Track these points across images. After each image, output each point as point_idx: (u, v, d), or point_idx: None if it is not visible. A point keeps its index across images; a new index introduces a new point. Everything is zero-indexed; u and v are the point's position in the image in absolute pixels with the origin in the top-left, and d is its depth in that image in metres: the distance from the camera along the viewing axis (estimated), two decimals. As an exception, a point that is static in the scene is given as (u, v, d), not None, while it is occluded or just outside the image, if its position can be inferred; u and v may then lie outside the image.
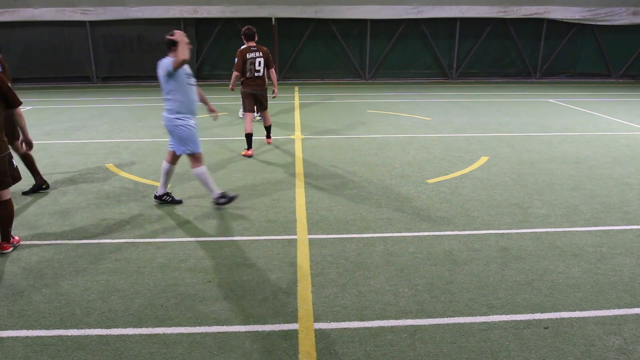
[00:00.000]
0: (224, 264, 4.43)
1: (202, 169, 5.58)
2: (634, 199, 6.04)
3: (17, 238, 4.90)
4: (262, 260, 4.50)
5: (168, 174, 5.79)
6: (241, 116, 10.78)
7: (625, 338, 3.39)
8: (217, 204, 5.69)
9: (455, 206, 5.80)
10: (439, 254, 4.62)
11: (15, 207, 5.80)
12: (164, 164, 5.76)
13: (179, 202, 5.92)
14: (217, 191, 5.69)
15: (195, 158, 5.55)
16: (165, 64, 5.22)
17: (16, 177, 4.72)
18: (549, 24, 18.47)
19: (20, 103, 4.67)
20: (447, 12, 17.93)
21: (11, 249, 4.74)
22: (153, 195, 5.97)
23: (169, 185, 6.05)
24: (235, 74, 8.03)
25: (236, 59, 8.00)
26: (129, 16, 17.12)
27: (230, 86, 8.22)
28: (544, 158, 7.86)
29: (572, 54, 19.25)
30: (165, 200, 5.89)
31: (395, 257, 4.54)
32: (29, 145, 4.95)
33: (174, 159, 5.73)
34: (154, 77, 21.42)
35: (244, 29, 8.18)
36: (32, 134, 9.80)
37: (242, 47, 8.04)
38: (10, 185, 4.62)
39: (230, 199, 5.71)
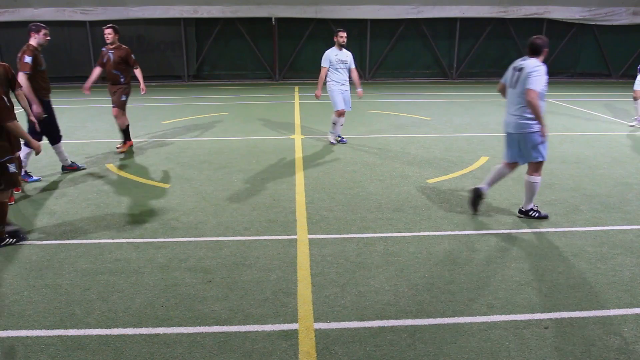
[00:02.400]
0: (224, 264, 4.43)
1: (539, 179, 5.29)
2: (634, 199, 6.03)
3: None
4: (262, 260, 4.50)
5: (499, 178, 5.51)
6: (334, 141, 8.74)
7: (625, 338, 3.39)
8: (525, 214, 5.42)
9: (455, 206, 5.80)
10: (439, 254, 4.62)
11: (15, 207, 5.81)
12: (500, 169, 5.45)
13: (545, 217, 5.41)
14: (531, 205, 5.40)
15: (538, 165, 5.25)
16: (541, 76, 4.93)
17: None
18: (549, 24, 18.46)
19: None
20: (447, 12, 17.93)
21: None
22: (517, 211, 5.53)
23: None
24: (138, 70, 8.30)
25: (133, 56, 8.23)
26: (129, 16, 17.11)
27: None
28: (544, 158, 7.86)
29: (572, 54, 19.24)
30: (531, 215, 5.40)
31: (395, 257, 4.54)
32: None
33: (512, 168, 5.45)
34: (153, 77, 20.97)
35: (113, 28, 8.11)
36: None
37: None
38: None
39: (539, 215, 5.41)
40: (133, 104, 13.41)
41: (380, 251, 4.66)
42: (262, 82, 18.24)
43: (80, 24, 17.25)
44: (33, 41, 6.80)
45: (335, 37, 8.36)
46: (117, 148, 8.32)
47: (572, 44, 19.05)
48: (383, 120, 11.02)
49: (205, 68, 18.55)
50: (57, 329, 3.49)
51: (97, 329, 3.48)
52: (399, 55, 18.90)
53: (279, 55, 18.28)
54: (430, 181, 6.71)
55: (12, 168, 4.67)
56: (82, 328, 3.50)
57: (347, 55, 8.42)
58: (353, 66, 8.55)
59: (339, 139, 8.83)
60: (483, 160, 7.74)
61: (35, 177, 6.82)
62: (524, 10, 18.02)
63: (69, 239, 4.94)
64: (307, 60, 18.69)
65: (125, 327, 3.51)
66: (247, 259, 4.52)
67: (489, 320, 3.58)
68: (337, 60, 8.33)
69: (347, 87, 8.48)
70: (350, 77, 8.58)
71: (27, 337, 3.41)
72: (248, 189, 6.41)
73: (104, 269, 4.33)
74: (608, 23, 18.40)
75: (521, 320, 3.58)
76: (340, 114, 8.48)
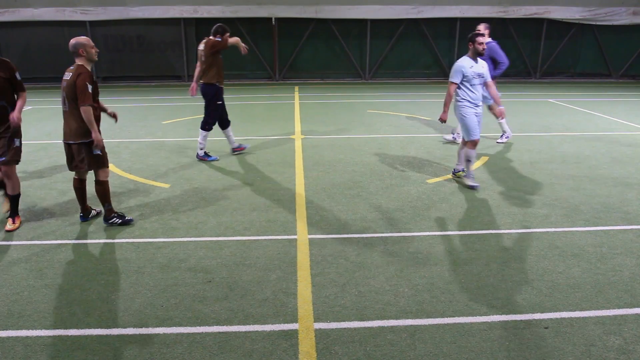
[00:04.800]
0: (224, 264, 4.43)
1: None
2: (634, 199, 6.03)
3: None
4: (262, 260, 4.50)
5: None
6: (476, 184, 6.42)
7: (625, 338, 3.39)
8: None
9: (455, 206, 5.80)
10: (439, 254, 4.62)
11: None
12: None
13: None
14: None
15: None
16: None
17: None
18: (549, 24, 18.46)
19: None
20: (447, 12, 17.93)
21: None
22: None
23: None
24: None
25: (19, 75, 5.06)
26: (129, 16, 17.11)
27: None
28: (544, 158, 7.86)
29: (572, 54, 19.24)
30: None
31: (395, 257, 4.54)
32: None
33: None
34: (153, 77, 20.97)
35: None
36: (32, 134, 9.82)
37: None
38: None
39: None
40: (133, 104, 13.42)
41: (380, 251, 4.66)
42: (262, 82, 18.24)
43: (80, 24, 17.23)
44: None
45: (471, 43, 6.19)
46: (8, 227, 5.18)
47: (572, 44, 19.05)
48: (383, 120, 11.02)
49: (205, 68, 18.52)
50: (57, 329, 3.49)
51: (97, 329, 3.48)
52: (399, 55, 18.91)
53: (279, 55, 18.27)
54: (430, 181, 6.71)
55: (96, 150, 5.02)
56: (82, 328, 3.50)
57: (483, 67, 6.30)
58: (489, 79, 6.46)
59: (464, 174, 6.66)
60: (483, 160, 7.74)
61: (213, 157, 7.78)
62: (524, 10, 18.03)
63: (69, 239, 4.94)
64: (307, 61, 18.71)
65: (125, 327, 3.51)
66: (247, 259, 4.52)
67: (489, 320, 3.58)
68: (474, 73, 6.17)
69: (481, 109, 6.43)
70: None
71: (27, 337, 3.41)
72: (248, 189, 6.41)
73: (104, 269, 4.33)
74: (608, 23, 18.40)
75: (521, 320, 3.58)
76: (476, 144, 6.36)
